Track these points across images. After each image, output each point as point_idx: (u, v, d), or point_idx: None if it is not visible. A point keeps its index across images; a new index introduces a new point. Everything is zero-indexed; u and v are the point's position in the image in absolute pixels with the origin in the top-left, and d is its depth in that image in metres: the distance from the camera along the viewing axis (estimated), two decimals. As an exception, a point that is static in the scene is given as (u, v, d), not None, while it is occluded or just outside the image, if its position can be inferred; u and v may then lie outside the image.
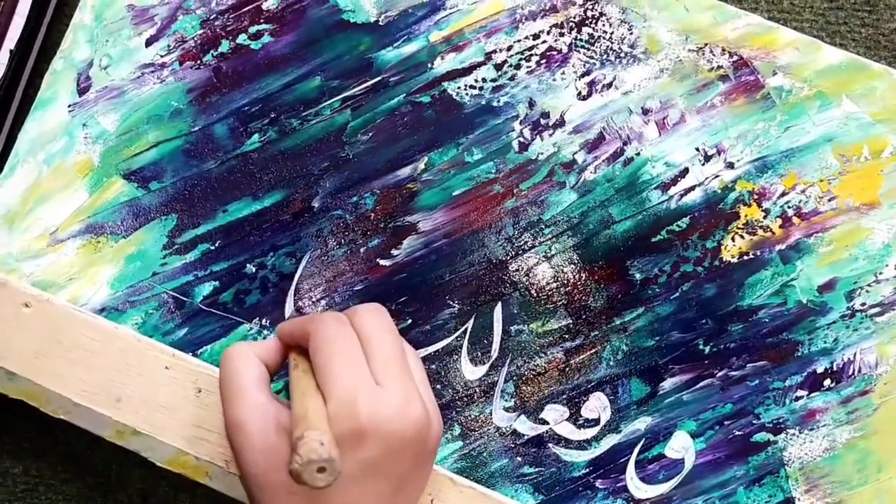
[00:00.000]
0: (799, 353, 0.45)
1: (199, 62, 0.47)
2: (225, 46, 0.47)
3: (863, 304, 0.45)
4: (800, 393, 0.45)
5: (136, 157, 0.47)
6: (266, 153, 0.47)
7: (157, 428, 0.43)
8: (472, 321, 0.46)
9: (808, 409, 0.45)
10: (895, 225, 0.45)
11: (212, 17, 0.47)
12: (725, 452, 0.45)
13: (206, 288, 0.46)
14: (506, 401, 0.45)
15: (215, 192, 0.47)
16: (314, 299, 0.46)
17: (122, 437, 0.44)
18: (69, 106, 0.47)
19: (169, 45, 0.47)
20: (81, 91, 0.47)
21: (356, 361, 0.37)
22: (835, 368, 0.45)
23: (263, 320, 0.46)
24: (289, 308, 0.46)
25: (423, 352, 0.46)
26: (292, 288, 0.46)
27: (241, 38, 0.47)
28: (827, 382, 0.45)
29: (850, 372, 0.45)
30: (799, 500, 0.44)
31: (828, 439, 0.44)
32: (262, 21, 0.47)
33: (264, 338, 0.46)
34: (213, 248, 0.46)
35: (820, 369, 0.45)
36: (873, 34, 0.48)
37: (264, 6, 0.47)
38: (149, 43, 0.47)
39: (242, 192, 0.47)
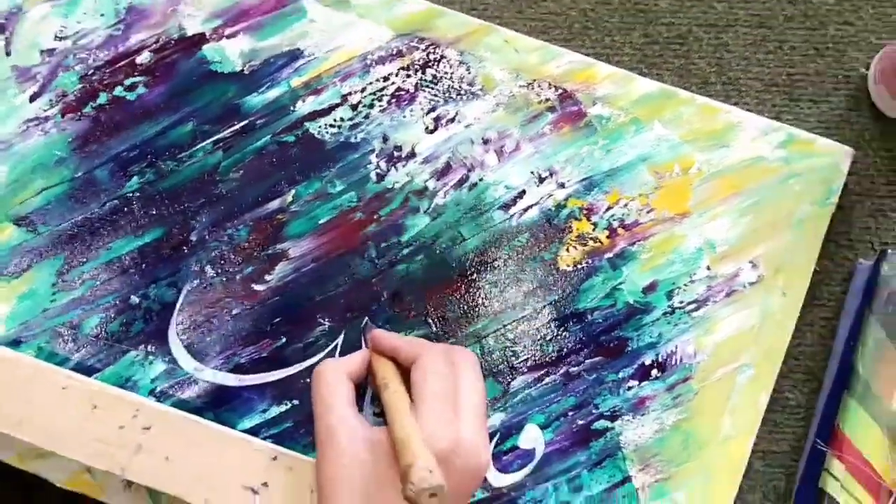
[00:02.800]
0: (629, 348, 0.51)
1: (79, 114, 0.52)
2: (103, 98, 0.52)
3: (681, 302, 0.51)
4: (631, 383, 0.50)
5: (25, 203, 0.51)
6: (145, 194, 0.51)
7: (59, 445, 0.46)
8: (342, 336, 0.51)
9: (639, 397, 0.50)
10: (705, 231, 0.51)
11: (90, 72, 0.52)
12: (570, 440, 0.50)
13: (94, 319, 0.50)
14: (375, 407, 0.50)
15: (99, 232, 0.51)
16: (196, 324, 0.51)
17: (24, 461, 0.48)
18: (-42, 159, 0.51)
19: (51, 100, 0.52)
20: (-31, 145, 0.51)
21: (451, 404, 0.43)
22: (660, 360, 0.51)
23: (149, 347, 0.50)
24: (172, 334, 0.50)
25: (298, 367, 0.50)
26: (174, 315, 0.51)
27: (118, 91, 0.52)
28: (654, 372, 0.51)
29: (673, 362, 0.51)
30: (634, 477, 0.50)
31: (657, 422, 0.50)
32: (136, 74, 0.52)
33: (150, 363, 0.50)
34: (98, 283, 0.50)
35: (647, 361, 0.51)
36: (685, 63, 0.54)
37: (138, 60, 0.52)
38: (32, 99, 0.51)
39: (125, 231, 0.51)
